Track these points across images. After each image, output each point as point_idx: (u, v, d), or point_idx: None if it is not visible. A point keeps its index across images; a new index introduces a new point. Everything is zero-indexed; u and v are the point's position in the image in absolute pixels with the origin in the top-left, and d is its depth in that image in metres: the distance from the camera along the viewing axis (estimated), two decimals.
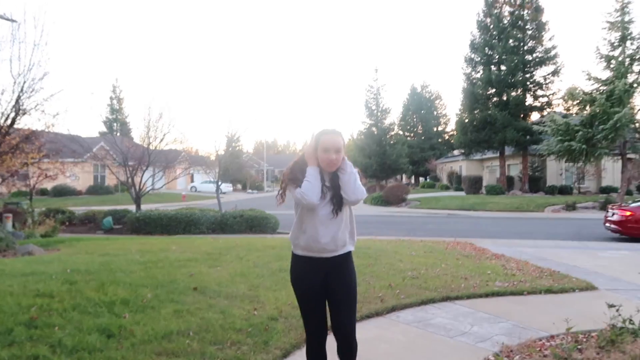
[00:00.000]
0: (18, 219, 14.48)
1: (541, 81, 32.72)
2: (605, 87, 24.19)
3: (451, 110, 77.80)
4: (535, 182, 33.10)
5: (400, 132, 56.22)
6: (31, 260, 7.83)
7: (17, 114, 13.34)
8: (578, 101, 24.54)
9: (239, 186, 56.22)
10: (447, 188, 43.48)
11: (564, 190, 31.08)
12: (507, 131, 30.79)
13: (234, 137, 22.62)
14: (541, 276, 7.04)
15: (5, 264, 7.12)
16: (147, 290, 5.42)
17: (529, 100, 33.34)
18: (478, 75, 34.32)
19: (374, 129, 43.07)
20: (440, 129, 63.25)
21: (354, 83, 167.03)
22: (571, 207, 23.45)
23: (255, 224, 15.53)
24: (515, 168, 36.41)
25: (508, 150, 33.88)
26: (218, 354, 3.66)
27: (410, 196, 31.34)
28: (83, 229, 17.02)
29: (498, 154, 34.39)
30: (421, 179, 58.54)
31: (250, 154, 71.04)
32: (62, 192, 37.18)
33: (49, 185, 30.42)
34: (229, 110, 52.30)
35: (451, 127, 60.84)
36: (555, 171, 33.69)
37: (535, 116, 33.97)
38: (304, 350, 3.92)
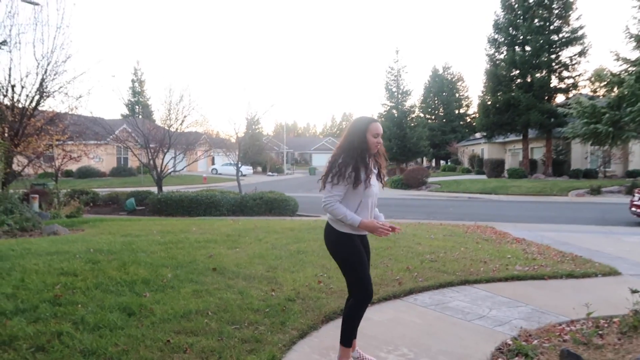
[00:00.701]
0: (44, 200, 14.85)
1: (567, 62, 31.75)
2: (634, 68, 23.31)
3: (473, 92, 76.76)
4: (559, 166, 32.43)
5: (421, 115, 55.55)
6: (56, 239, 8.03)
7: (41, 97, 13.58)
8: (605, 82, 23.78)
9: (259, 169, 56.53)
10: (468, 171, 42.97)
11: (589, 174, 30.38)
12: (530, 113, 30.11)
13: (254, 119, 22.62)
14: (563, 261, 6.92)
15: (31, 243, 7.32)
16: (168, 270, 5.51)
17: (554, 81, 32.44)
18: (501, 57, 33.50)
19: (394, 111, 42.63)
20: (462, 111, 62.27)
21: (374, 65, 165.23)
22: (596, 191, 22.93)
23: (274, 206, 15.62)
24: (538, 151, 35.69)
25: (531, 133, 33.19)
26: (236, 333, 3.71)
27: (430, 179, 31.08)
28: (106, 209, 17.38)
29: (521, 137, 33.72)
30: (442, 162, 57.96)
31: (270, 137, 71.24)
32: (86, 173, 38.00)
33: (73, 167, 31.02)
34: (249, 93, 52.29)
35: (473, 109, 59.93)
36: (580, 155, 32.93)
37: (560, 98, 33.10)
38: (320, 331, 3.97)
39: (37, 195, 14.28)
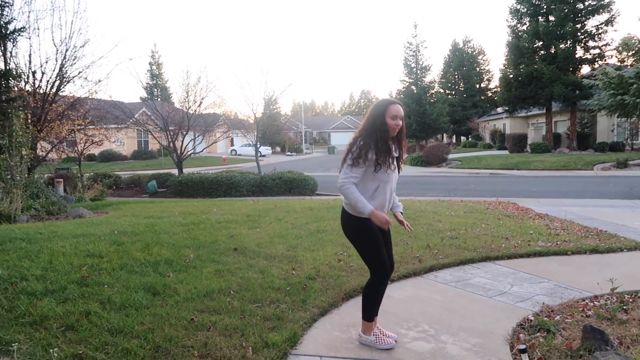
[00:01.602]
0: (68, 184, 15.17)
1: (593, 31, 30.67)
2: None
3: (495, 65, 74.96)
4: (584, 139, 31.66)
5: (441, 90, 54.62)
6: (81, 222, 8.22)
7: (61, 82, 13.76)
8: (633, 52, 22.94)
9: (278, 149, 56.63)
10: (489, 147, 42.29)
11: (615, 147, 29.59)
12: (554, 86, 29.32)
13: (271, 99, 22.56)
14: (587, 236, 6.81)
15: (58, 226, 7.50)
16: (190, 250, 5.61)
17: (579, 52, 31.43)
18: (524, 28, 32.54)
19: (413, 87, 41.98)
20: (483, 85, 60.97)
21: (392, 40, 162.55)
22: (622, 165, 22.35)
23: (294, 185, 15.67)
24: (562, 125, 34.86)
25: (555, 107, 32.36)
26: (257, 311, 3.77)
27: (450, 156, 30.70)
28: (129, 192, 17.69)
29: (544, 111, 32.93)
30: (462, 138, 57.11)
31: (288, 116, 71.13)
32: (108, 157, 38.65)
33: (96, 150, 31.57)
34: (266, 73, 52.08)
35: (495, 83, 58.59)
36: (606, 127, 32.04)
37: (585, 69, 32.11)
38: (341, 309, 4.00)
39: (61, 180, 14.59)
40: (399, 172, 3.30)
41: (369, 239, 3.19)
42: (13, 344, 2.81)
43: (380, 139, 3.09)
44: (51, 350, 2.79)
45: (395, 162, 3.21)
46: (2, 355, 2.99)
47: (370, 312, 3.29)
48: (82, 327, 3.37)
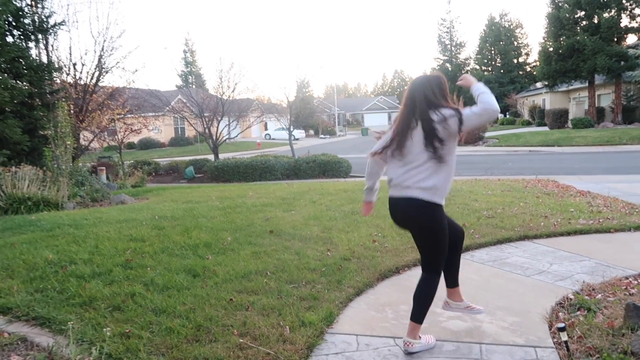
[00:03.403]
0: (110, 171, 15.73)
1: None
2: None
3: (533, 39, 72.23)
4: (630, 113, 30.23)
5: (477, 67, 53.19)
6: (124, 208, 8.53)
7: (100, 73, 14.19)
8: None
9: (311, 132, 56.66)
10: (528, 124, 41.04)
11: None
12: (597, 58, 28.03)
13: (304, 82, 22.60)
14: (632, 213, 6.57)
15: (102, 212, 7.82)
16: (227, 233, 5.75)
17: (625, 21, 29.83)
18: None
19: (447, 65, 41.18)
20: (521, 60, 58.86)
21: (425, 17, 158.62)
22: None
23: (327, 168, 15.72)
24: (606, 98, 33.38)
25: (598, 79, 30.99)
26: (294, 292, 3.85)
27: (487, 134, 29.95)
28: (167, 178, 18.18)
29: (586, 84, 31.60)
30: (500, 116, 55.58)
31: (321, 99, 70.87)
32: (147, 144, 39.69)
33: (135, 139, 32.41)
34: (298, 55, 51.95)
35: (533, 57, 56.44)
36: None
37: (631, 39, 30.52)
38: (376, 289, 4.04)
39: (104, 168, 15.13)
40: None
41: (443, 230, 2.90)
42: (67, 323, 2.98)
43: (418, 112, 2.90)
44: (103, 330, 2.94)
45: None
46: (56, 333, 3.18)
47: (424, 313, 2.97)
48: (127, 307, 3.54)
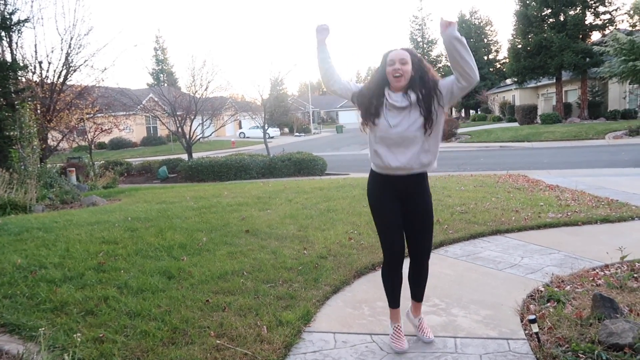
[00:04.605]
0: (81, 172, 15.36)
1: None
2: None
3: (503, 36, 73.46)
4: (595, 108, 31.19)
5: (448, 64, 53.83)
6: (95, 210, 8.35)
7: (68, 71, 13.83)
8: None
9: (286, 130, 56.54)
10: (499, 120, 41.86)
11: (627, 115, 29.12)
12: (564, 54, 28.80)
13: (278, 80, 22.47)
14: (598, 206, 6.79)
15: (72, 215, 7.64)
16: (202, 234, 5.70)
17: (589, 18, 30.73)
18: None
19: None
20: (491, 57, 59.92)
21: (397, 15, 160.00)
22: (635, 133, 22.03)
23: (303, 166, 15.71)
24: (573, 94, 34.33)
25: (565, 76, 31.85)
26: (271, 291, 3.84)
27: (460, 130, 30.46)
28: (140, 179, 17.87)
29: (554, 80, 32.44)
30: (471, 112, 56.50)
31: (295, 97, 70.74)
32: (118, 144, 38.93)
33: (106, 138, 31.75)
34: (271, 53, 51.69)
35: (503, 54, 57.55)
36: (618, 95, 31.50)
37: (595, 36, 31.46)
38: (353, 286, 4.07)
39: (73, 169, 14.76)
40: (427, 126, 2.75)
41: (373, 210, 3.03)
42: (38, 330, 2.91)
43: (375, 88, 2.83)
44: (74, 335, 2.88)
45: (389, 113, 2.77)
46: (27, 340, 3.10)
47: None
48: (101, 311, 3.48)
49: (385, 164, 2.81)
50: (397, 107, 2.76)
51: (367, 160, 3.08)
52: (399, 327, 3.04)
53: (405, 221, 2.94)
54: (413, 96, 2.74)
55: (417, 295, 3.14)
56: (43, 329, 2.93)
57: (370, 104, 2.82)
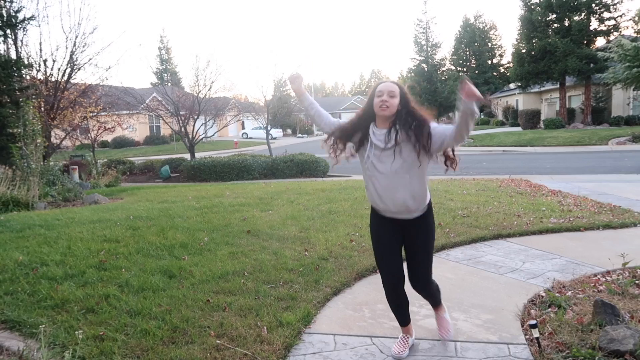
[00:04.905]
0: (83, 171, 15.38)
1: (608, 2, 29.82)
2: None
3: (507, 41, 73.35)
4: (599, 114, 31.11)
5: (452, 68, 53.90)
6: (97, 208, 8.37)
7: (72, 69, 13.86)
8: None
9: (289, 131, 56.54)
10: (502, 124, 41.81)
11: (631, 121, 29.04)
12: (568, 60, 28.73)
13: (281, 81, 22.48)
14: (600, 211, 6.77)
15: (75, 213, 7.66)
16: (204, 234, 5.70)
17: (594, 24, 30.65)
18: (537, 0, 31.80)
19: (423, 65, 41.58)
20: (495, 61, 59.87)
21: (402, 18, 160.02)
22: (638, 139, 21.98)
23: (305, 167, 15.70)
24: (576, 99, 34.25)
25: (569, 81, 31.77)
26: (271, 292, 3.84)
27: None
28: (142, 178, 17.89)
29: (558, 86, 32.36)
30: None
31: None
32: (121, 143, 38.98)
33: (109, 137, 31.81)
34: (275, 54, 51.80)
35: (507, 59, 57.53)
36: (622, 101, 31.41)
37: (600, 42, 31.38)
38: (353, 288, 4.07)
39: (76, 167, 14.79)
40: (412, 165, 2.65)
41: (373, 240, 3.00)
42: (39, 327, 2.92)
43: (361, 120, 2.78)
44: (76, 332, 2.89)
45: (372, 148, 2.70)
46: (27, 337, 3.11)
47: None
48: (101, 309, 3.48)
49: (375, 205, 2.85)
50: (380, 148, 2.68)
51: None
52: (405, 337, 3.02)
53: (404, 245, 2.91)
54: (398, 136, 2.63)
55: (430, 304, 3.20)
56: (43, 326, 2.94)
57: (355, 134, 2.79)
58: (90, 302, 3.60)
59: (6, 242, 5.45)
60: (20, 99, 10.35)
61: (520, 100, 41.14)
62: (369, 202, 2.95)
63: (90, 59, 14.46)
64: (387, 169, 2.66)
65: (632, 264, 4.14)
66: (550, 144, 23.42)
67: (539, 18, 30.93)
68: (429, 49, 41.22)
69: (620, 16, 29.79)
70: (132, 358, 2.84)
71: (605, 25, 30.53)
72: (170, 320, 3.29)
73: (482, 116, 51.42)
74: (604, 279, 4.03)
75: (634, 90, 24.59)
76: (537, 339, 2.84)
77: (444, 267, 4.58)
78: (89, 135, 18.95)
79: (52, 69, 13.92)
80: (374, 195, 2.78)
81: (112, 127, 18.51)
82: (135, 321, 3.28)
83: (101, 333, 3.09)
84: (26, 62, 12.73)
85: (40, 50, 13.75)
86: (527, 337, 3.06)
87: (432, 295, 3.09)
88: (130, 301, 3.61)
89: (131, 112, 21.52)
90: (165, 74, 59.57)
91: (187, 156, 19.44)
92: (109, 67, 15.16)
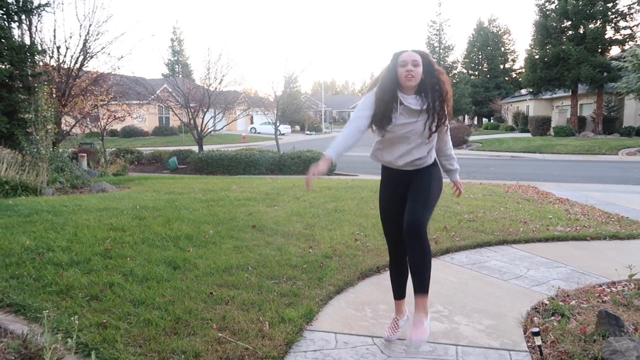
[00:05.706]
0: (92, 159, 15.48)
1: (625, 11, 29.62)
2: None
3: (520, 46, 72.97)
4: (610, 123, 30.88)
5: (464, 71, 53.68)
6: (104, 196, 8.41)
7: (85, 57, 13.94)
8: None
9: (297, 127, 56.59)
10: (512, 129, 41.60)
11: None
12: (581, 68, 28.53)
13: (292, 77, 22.52)
14: (607, 221, 6.72)
15: (82, 200, 7.70)
16: (209, 226, 5.72)
17: (609, 32, 30.43)
18: (552, 7, 31.60)
19: None
20: (507, 66, 59.53)
21: (415, 19, 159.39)
22: None
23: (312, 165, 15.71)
24: (588, 108, 34.00)
25: (581, 89, 31.55)
26: (274, 287, 3.85)
27: (471, 138, 30.31)
28: (150, 168, 17.98)
29: (570, 93, 32.16)
30: (484, 120, 56.19)
31: (308, 95, 70.75)
32: (130, 133, 39.17)
33: (118, 126, 32.01)
34: (287, 50, 51.80)
35: (519, 64, 57.19)
36: (634, 111, 31.16)
37: (614, 51, 31.13)
38: (357, 287, 4.06)
39: (85, 154, 14.89)
40: (433, 127, 2.82)
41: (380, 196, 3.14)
42: (43, 312, 2.94)
43: (388, 89, 2.81)
44: (72, 318, 2.90)
45: (413, 115, 2.80)
46: (31, 321, 3.13)
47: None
48: (105, 297, 3.50)
49: (382, 159, 3.02)
50: (411, 110, 2.81)
51: (376, 162, 3.15)
52: (396, 319, 3.17)
53: (409, 191, 2.96)
54: (425, 101, 2.81)
55: (414, 283, 2.79)
56: (47, 311, 2.96)
57: (386, 108, 2.82)
58: (94, 290, 3.62)
59: (14, 226, 5.49)
60: (33, 85, 10.42)
61: (531, 107, 40.90)
62: (378, 165, 3.13)
63: (103, 48, 14.56)
64: (410, 128, 2.83)
65: (638, 276, 4.11)
66: (560, 151, 23.28)
67: (554, 24, 30.74)
68: (441, 51, 41.10)
69: (637, 25, 29.62)
70: (134, 347, 2.85)
71: (620, 35, 30.29)
72: (173, 311, 3.30)
73: (492, 121, 51.20)
74: (608, 290, 4.00)
75: None
76: (539, 346, 2.83)
77: (448, 271, 4.57)
78: (99, 123, 19.07)
79: (65, 56, 14.03)
80: (394, 155, 2.92)
81: (122, 117, 18.61)
82: (138, 310, 3.30)
83: (104, 321, 3.11)
84: (40, 49, 12.82)
85: (54, 37, 13.91)
86: (529, 344, 3.05)
87: (421, 250, 2.74)
88: (134, 290, 3.63)
89: (141, 102, 21.62)
90: (177, 66, 59.75)
91: (195, 148, 19.51)
92: (122, 57, 15.26)
